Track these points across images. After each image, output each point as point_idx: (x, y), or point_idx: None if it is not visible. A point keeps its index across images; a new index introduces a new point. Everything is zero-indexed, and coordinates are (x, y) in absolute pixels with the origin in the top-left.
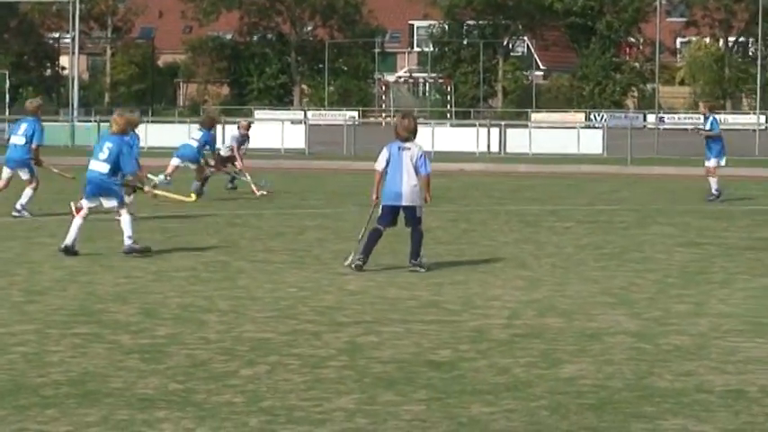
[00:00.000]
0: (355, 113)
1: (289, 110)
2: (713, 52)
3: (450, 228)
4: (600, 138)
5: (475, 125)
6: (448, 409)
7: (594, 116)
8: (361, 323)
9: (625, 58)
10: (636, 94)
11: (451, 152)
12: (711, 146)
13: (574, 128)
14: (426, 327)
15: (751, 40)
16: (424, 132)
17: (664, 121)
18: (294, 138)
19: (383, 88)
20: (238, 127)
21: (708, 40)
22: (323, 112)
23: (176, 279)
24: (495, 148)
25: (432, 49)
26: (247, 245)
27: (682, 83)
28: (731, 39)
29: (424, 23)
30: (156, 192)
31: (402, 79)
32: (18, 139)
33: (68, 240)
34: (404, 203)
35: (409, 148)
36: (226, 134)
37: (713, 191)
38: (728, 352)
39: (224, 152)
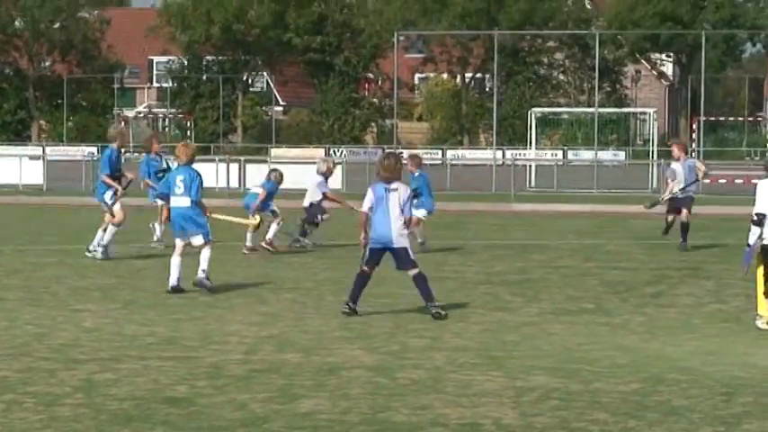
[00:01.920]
0: (94, 149)
1: (27, 145)
2: (450, 88)
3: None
4: (339, 172)
5: (214, 160)
6: None
7: (334, 151)
8: (98, 360)
9: (364, 93)
10: (375, 129)
11: None
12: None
13: (313, 163)
14: (164, 363)
15: (487, 76)
16: None
17: (402, 157)
18: (32, 173)
19: (122, 124)
20: None
21: (445, 76)
22: (61, 147)
23: None
24: (234, 183)
25: (171, 84)
26: None
27: (420, 118)
28: (468, 75)
29: (163, 59)
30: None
31: (141, 114)
32: None
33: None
34: (394, 246)
35: (396, 189)
36: None
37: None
38: (463, 385)
39: None
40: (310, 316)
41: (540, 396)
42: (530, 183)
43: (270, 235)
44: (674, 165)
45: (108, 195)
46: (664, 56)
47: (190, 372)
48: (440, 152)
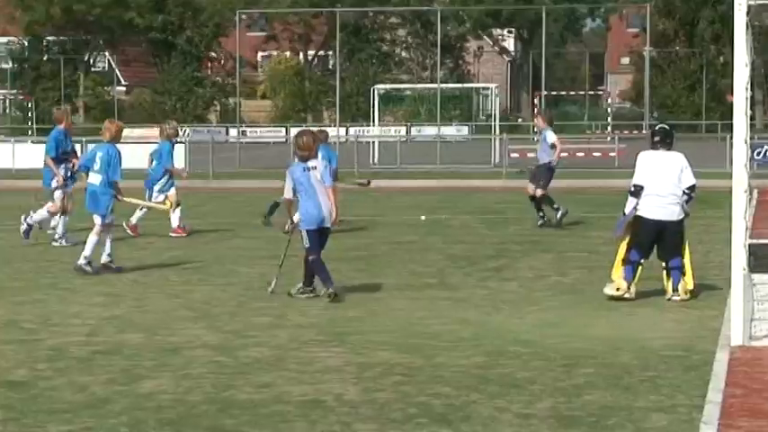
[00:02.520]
0: None
1: None
2: (293, 66)
3: (32, 246)
4: (182, 152)
5: None
6: (24, 429)
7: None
8: None
9: (207, 72)
10: (218, 108)
11: (34, 169)
12: None
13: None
14: (4, 347)
15: (330, 53)
16: (4, 149)
17: (246, 135)
18: None
19: None
20: None
21: (288, 53)
22: None
23: None
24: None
25: (11, 65)
26: None
27: (264, 96)
28: (311, 52)
29: (3, 40)
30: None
31: None
32: None
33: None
34: (326, 224)
35: (315, 167)
36: None
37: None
38: (306, 362)
39: None
40: (153, 296)
41: (383, 371)
42: (373, 159)
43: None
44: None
45: (54, 181)
46: (505, 31)
47: (30, 355)
48: (284, 130)
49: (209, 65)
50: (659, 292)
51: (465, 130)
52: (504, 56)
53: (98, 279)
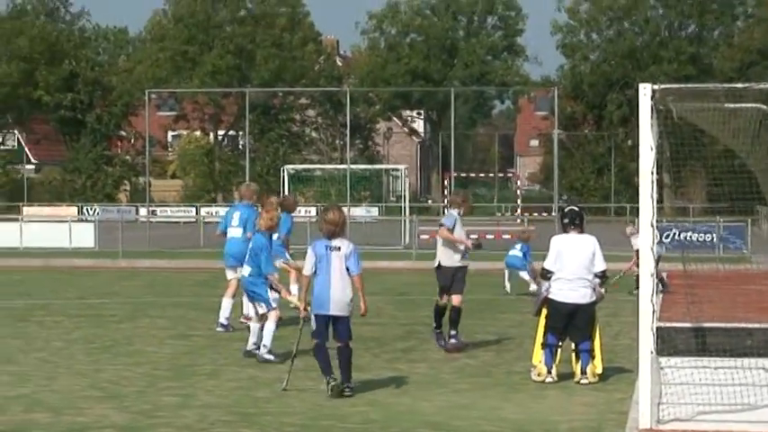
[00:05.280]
0: None
1: None
2: (203, 145)
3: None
4: (92, 231)
5: None
6: None
7: (87, 210)
8: None
9: (117, 151)
10: (128, 187)
11: None
12: None
13: (66, 221)
14: None
15: (240, 133)
16: None
17: (156, 215)
18: None
19: None
20: None
21: (198, 133)
22: None
23: None
24: None
25: None
26: None
27: (174, 176)
28: (221, 132)
29: None
30: None
31: None
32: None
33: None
34: (332, 312)
35: (339, 248)
36: None
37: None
38: None
39: None
40: (61, 375)
41: None
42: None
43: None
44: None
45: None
46: (415, 113)
47: None
48: (194, 209)
49: (119, 143)
50: (569, 375)
51: (375, 212)
52: (414, 137)
53: (4, 358)
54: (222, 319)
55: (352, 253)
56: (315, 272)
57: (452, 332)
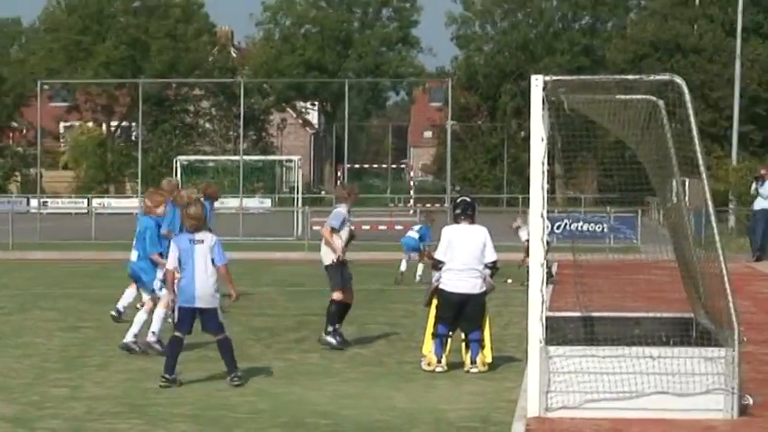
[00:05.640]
0: None
1: None
2: (96, 137)
3: None
4: None
5: None
6: None
7: None
8: None
9: (8, 142)
10: (19, 178)
11: None
12: None
13: None
14: None
15: (133, 124)
16: None
17: (47, 206)
18: None
19: None
20: None
21: (91, 124)
22: None
23: None
24: None
25: None
26: None
27: (66, 167)
28: (114, 123)
29: None
30: None
31: None
32: None
33: None
34: (199, 305)
35: (202, 241)
36: None
37: None
38: None
39: None
40: None
41: None
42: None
43: None
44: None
45: None
46: (309, 104)
47: None
48: (85, 201)
49: (11, 135)
50: (459, 365)
51: (268, 202)
52: (308, 128)
53: None
54: (120, 307)
55: (216, 244)
56: (180, 266)
57: (331, 328)
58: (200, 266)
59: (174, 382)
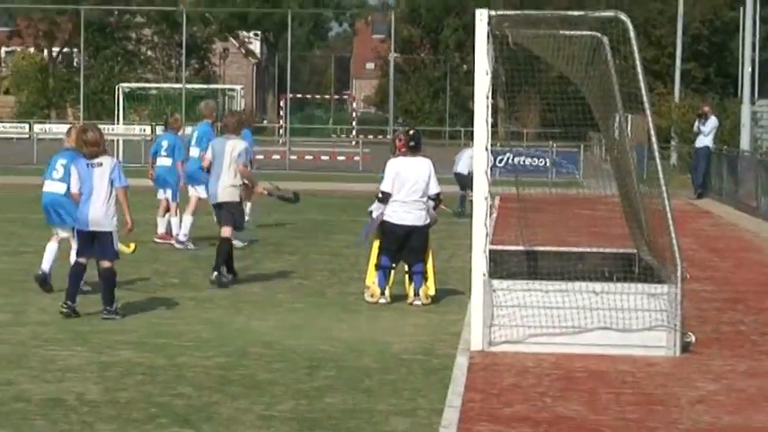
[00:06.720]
0: None
1: None
2: (38, 62)
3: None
4: None
5: None
6: None
7: None
8: None
9: None
10: None
11: None
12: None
13: None
14: None
15: (75, 50)
16: None
17: None
18: None
19: None
20: None
21: (32, 50)
22: None
23: None
24: None
25: None
26: None
27: (7, 92)
28: (56, 49)
29: None
30: None
31: None
32: None
33: None
34: (91, 228)
35: (101, 164)
36: None
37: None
38: (48, 360)
39: None
40: None
41: (125, 371)
42: (118, 157)
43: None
44: None
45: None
46: (252, 34)
47: None
48: (27, 126)
49: None
50: (402, 297)
51: None
52: (251, 58)
53: None
54: (181, 236)
55: (115, 167)
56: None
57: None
58: (97, 190)
59: (74, 310)
